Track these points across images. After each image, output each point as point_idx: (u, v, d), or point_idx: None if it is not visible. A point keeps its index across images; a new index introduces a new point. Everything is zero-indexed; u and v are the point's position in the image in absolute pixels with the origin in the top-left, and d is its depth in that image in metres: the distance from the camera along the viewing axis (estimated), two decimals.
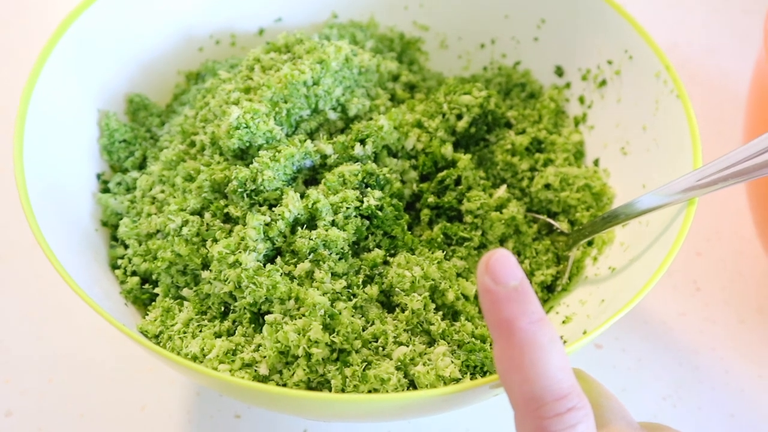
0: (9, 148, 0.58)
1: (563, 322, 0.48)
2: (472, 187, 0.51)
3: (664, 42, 0.52)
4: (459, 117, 0.54)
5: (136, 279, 0.47)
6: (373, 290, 0.44)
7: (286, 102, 0.49)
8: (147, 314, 0.46)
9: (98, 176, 0.52)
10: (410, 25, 0.62)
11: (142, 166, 0.53)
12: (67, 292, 0.56)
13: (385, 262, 0.46)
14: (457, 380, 0.41)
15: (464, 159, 0.52)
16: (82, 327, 0.56)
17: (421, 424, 0.53)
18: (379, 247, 0.47)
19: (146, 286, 0.48)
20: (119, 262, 0.49)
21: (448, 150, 0.52)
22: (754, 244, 0.63)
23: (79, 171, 0.50)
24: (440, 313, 0.45)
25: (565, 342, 0.45)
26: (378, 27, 0.62)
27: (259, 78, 0.51)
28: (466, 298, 0.47)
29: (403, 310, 0.44)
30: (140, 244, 0.48)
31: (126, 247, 0.49)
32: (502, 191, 0.52)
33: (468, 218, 0.50)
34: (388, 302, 0.45)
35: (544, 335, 0.33)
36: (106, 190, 0.52)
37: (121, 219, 0.50)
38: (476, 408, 0.53)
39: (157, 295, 0.47)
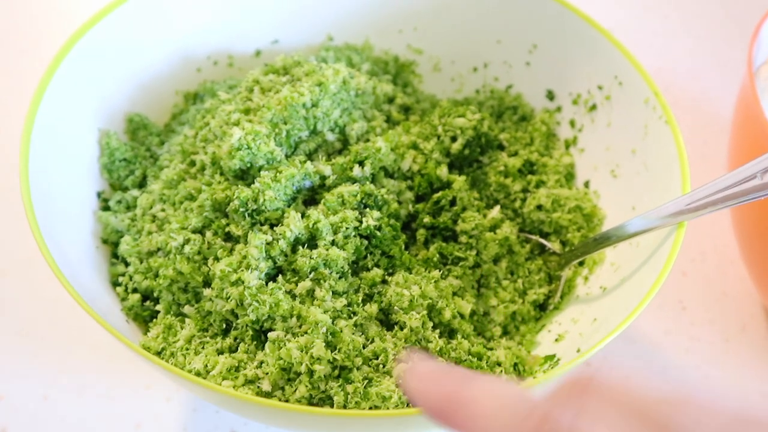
0: (10, 167, 0.58)
1: (556, 340, 0.49)
2: (467, 208, 0.53)
3: (648, 67, 0.54)
4: (453, 139, 0.55)
5: (137, 296, 0.48)
6: (372, 308, 0.45)
7: (285, 123, 0.50)
8: (148, 331, 0.47)
9: (98, 194, 0.53)
10: (404, 48, 0.64)
11: (142, 184, 0.54)
12: (62, 310, 0.56)
13: (384, 281, 0.47)
14: None
15: (459, 180, 0.53)
16: (77, 345, 0.56)
17: None
18: (377, 266, 0.48)
19: (147, 303, 0.48)
20: (120, 279, 0.49)
21: (443, 171, 0.53)
22: (738, 265, 0.65)
23: (80, 189, 0.51)
24: (437, 331, 0.46)
25: (558, 360, 0.46)
26: (373, 50, 0.63)
27: (259, 99, 0.52)
28: (462, 316, 0.48)
29: (401, 328, 0.45)
30: (141, 262, 0.49)
31: (127, 264, 0.50)
32: (495, 212, 0.53)
33: (463, 238, 0.51)
34: (386, 320, 0.46)
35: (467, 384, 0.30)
36: (106, 208, 0.52)
37: (121, 237, 0.50)
38: None
39: (158, 312, 0.48)
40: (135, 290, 0.49)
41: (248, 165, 0.48)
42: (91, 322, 0.41)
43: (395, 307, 0.45)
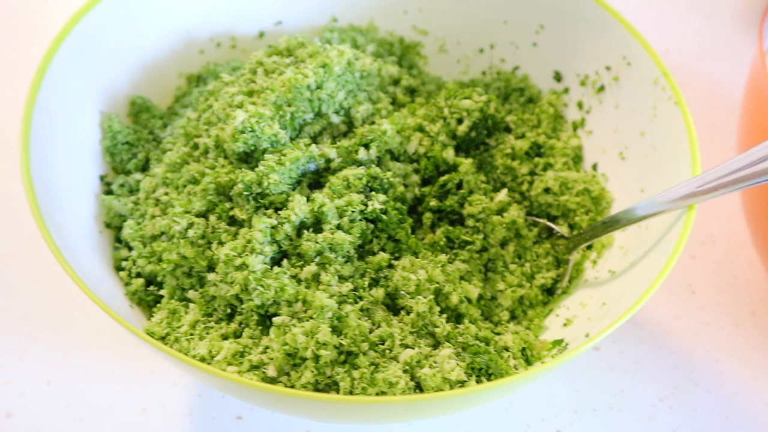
0: (10, 150, 0.58)
1: (564, 324, 0.48)
2: (474, 191, 0.52)
3: (655, 48, 0.53)
4: (460, 121, 0.54)
5: (140, 281, 0.47)
6: (378, 293, 0.45)
7: (289, 105, 0.50)
8: (152, 316, 0.46)
9: (101, 178, 0.52)
10: (410, 30, 0.63)
11: (144, 167, 0.53)
12: (66, 294, 0.56)
13: (390, 266, 0.47)
14: (463, 382, 0.41)
15: (466, 163, 0.52)
16: (81, 329, 0.56)
17: (423, 426, 0.53)
18: (383, 250, 0.47)
19: (151, 287, 0.48)
20: (123, 263, 0.49)
21: (449, 154, 0.53)
22: (748, 249, 0.64)
23: (82, 173, 0.50)
24: (444, 315, 0.45)
25: (566, 345, 0.46)
26: (377, 31, 0.62)
27: (263, 81, 0.52)
28: (469, 300, 0.47)
29: (408, 313, 0.44)
30: (145, 246, 0.48)
31: (130, 248, 0.49)
32: (503, 195, 0.52)
33: (470, 222, 0.51)
34: (393, 305, 0.46)
35: None
36: (109, 192, 0.52)
37: (124, 221, 0.50)
38: (478, 410, 0.53)
39: (162, 296, 0.47)
40: (139, 275, 0.48)
41: (252, 148, 0.48)
42: (96, 306, 0.40)
43: (402, 292, 0.45)
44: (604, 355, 0.58)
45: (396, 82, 0.58)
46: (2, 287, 0.58)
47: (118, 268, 0.49)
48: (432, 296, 0.45)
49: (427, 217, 0.51)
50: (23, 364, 0.55)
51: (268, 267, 0.44)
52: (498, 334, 0.47)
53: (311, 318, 0.42)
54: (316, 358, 0.41)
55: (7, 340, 0.56)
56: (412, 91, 0.59)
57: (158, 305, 0.47)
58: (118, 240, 0.50)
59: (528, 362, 0.45)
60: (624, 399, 0.55)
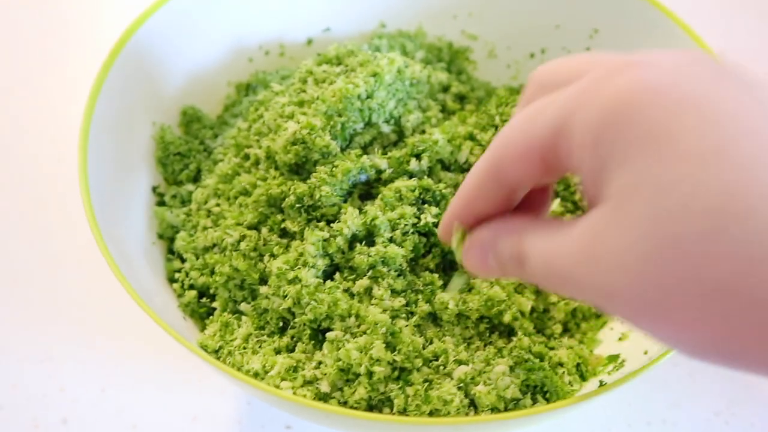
0: (64, 160, 0.58)
1: (619, 339, 0.47)
2: None
3: (712, 49, 0.51)
4: None
5: (193, 293, 0.48)
6: (429, 308, 0.44)
7: (340, 116, 0.49)
8: (205, 328, 0.46)
9: (154, 189, 0.52)
10: (458, 35, 0.62)
11: (196, 178, 0.54)
12: (119, 301, 0.57)
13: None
14: (518, 400, 0.41)
15: None
16: (134, 336, 0.57)
17: None
18: (437, 268, 0.46)
19: (203, 300, 0.48)
20: (176, 275, 0.49)
21: None
22: None
23: (136, 184, 0.51)
24: (496, 333, 0.45)
25: (623, 361, 0.45)
26: (426, 36, 0.61)
27: (313, 91, 0.51)
28: (522, 314, 0.47)
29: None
30: (197, 258, 0.48)
31: (183, 260, 0.49)
32: (555, 205, 0.52)
33: None
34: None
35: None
36: (161, 203, 0.52)
37: (177, 232, 0.50)
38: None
39: (215, 308, 0.47)
40: (191, 287, 0.48)
41: (303, 159, 0.48)
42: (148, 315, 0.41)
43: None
44: (659, 366, 0.57)
45: (445, 88, 0.58)
46: (57, 295, 0.59)
47: (171, 280, 0.49)
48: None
49: None
50: (78, 371, 0.56)
51: (321, 281, 0.44)
52: (552, 348, 0.46)
53: (364, 333, 0.41)
54: (370, 374, 0.40)
55: (62, 348, 0.57)
56: (461, 98, 0.58)
57: (211, 317, 0.47)
58: (171, 251, 0.51)
59: (583, 378, 0.45)
60: (679, 413, 0.54)
